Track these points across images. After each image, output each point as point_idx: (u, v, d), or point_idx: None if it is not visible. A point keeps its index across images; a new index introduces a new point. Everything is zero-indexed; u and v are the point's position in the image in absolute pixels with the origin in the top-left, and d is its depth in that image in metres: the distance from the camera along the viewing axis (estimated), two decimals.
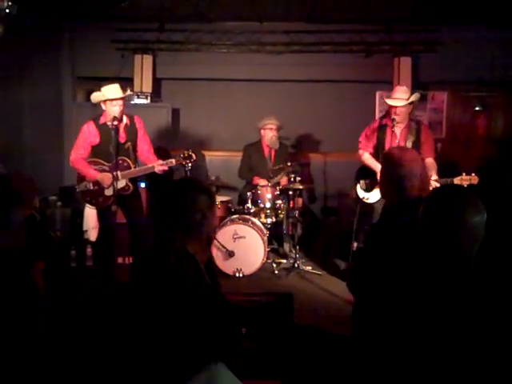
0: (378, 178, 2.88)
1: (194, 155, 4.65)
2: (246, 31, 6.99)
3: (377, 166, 4.73)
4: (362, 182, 5.06)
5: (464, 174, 4.42)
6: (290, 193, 5.66)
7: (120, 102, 4.57)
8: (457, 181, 4.44)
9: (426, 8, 6.10)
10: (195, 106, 7.31)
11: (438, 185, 4.49)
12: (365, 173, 5.05)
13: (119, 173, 4.53)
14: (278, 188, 5.72)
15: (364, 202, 5.02)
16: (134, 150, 4.76)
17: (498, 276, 1.98)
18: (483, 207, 1.88)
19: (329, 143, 7.28)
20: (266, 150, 6.27)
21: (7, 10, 4.75)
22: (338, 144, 6.89)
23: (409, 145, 4.73)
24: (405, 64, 6.74)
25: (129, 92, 4.72)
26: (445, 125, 7.10)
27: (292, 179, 5.61)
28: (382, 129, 4.93)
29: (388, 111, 4.93)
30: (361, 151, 5.09)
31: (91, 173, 4.66)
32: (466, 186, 4.37)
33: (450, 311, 1.83)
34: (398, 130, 4.78)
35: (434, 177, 4.58)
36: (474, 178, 4.39)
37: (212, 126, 7.29)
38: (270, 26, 6.95)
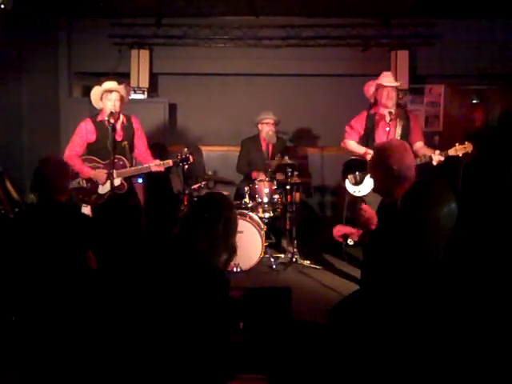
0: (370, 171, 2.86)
1: (191, 157, 4.64)
2: (243, 25, 6.98)
3: (364, 150, 4.89)
4: (350, 176, 5.08)
5: (457, 144, 4.44)
6: (288, 187, 5.66)
7: (115, 97, 4.57)
8: (451, 151, 4.47)
9: (422, 1, 6.09)
10: (192, 101, 7.30)
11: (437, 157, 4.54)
12: (352, 167, 5.08)
13: (114, 171, 4.53)
14: (275, 182, 5.72)
15: (354, 195, 5.06)
16: (131, 149, 4.76)
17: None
18: (451, 199, 1.95)
19: (326, 137, 7.27)
20: (264, 145, 6.27)
21: (2, 6, 4.73)
22: (336, 138, 6.85)
23: (399, 130, 4.80)
24: (402, 57, 6.73)
25: (123, 86, 4.71)
26: (442, 118, 7.10)
27: (289, 173, 5.61)
28: (370, 118, 4.96)
29: (376, 100, 4.98)
30: (345, 140, 5.13)
31: (85, 170, 4.63)
32: (461, 155, 4.40)
33: (420, 298, 1.88)
34: (387, 117, 4.82)
35: (437, 151, 4.60)
36: (468, 146, 4.42)
37: (209, 120, 7.28)
38: (267, 20, 6.94)
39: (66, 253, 3.05)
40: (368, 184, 4.86)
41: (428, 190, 1.99)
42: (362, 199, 4.90)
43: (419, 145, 4.85)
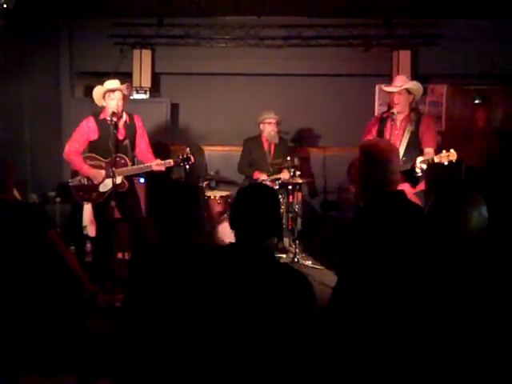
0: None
1: (192, 157, 4.64)
2: (244, 25, 6.97)
3: None
4: None
5: (444, 151, 4.36)
6: (290, 187, 5.65)
7: (119, 96, 4.58)
8: (437, 158, 4.37)
9: (425, 1, 6.08)
10: (194, 101, 7.29)
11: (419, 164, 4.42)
12: None
13: (115, 170, 4.52)
14: (277, 182, 5.71)
15: None
16: (132, 147, 4.76)
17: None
18: (483, 201, 1.94)
19: (328, 137, 7.26)
20: (266, 145, 6.26)
21: (4, 5, 4.74)
22: (338, 138, 6.88)
23: (407, 135, 4.71)
24: (404, 57, 6.72)
25: (125, 86, 4.71)
26: (444, 118, 7.09)
27: (292, 173, 5.61)
28: (382, 121, 4.92)
29: (389, 104, 4.93)
30: None
31: (84, 168, 4.65)
32: (446, 163, 4.31)
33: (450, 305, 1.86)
34: (398, 120, 4.78)
35: (420, 158, 4.46)
36: (451, 154, 4.33)
37: (211, 120, 7.27)
38: (268, 20, 6.93)
39: (16, 250, 3.06)
40: None
41: (458, 192, 1.98)
42: None
43: (427, 151, 4.64)
